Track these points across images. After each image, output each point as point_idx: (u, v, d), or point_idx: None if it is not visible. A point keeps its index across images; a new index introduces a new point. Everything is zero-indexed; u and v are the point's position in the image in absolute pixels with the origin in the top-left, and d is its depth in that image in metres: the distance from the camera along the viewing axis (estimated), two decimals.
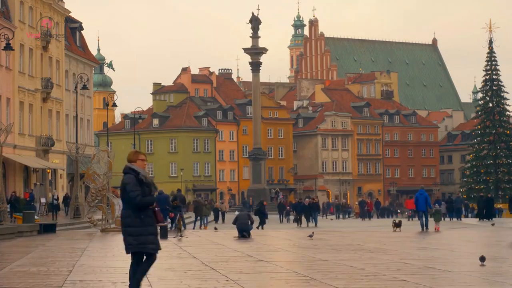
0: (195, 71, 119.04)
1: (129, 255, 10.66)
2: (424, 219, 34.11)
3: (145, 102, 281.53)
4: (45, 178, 58.08)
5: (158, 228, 10.92)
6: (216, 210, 54.91)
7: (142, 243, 10.41)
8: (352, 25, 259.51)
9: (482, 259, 15.96)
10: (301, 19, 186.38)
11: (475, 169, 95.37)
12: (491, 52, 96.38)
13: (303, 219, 48.51)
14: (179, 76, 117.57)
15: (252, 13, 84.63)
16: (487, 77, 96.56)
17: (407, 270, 15.40)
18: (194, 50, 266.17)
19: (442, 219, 44.17)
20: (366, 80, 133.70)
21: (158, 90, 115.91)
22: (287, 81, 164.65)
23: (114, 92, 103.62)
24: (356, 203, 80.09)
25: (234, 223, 29.25)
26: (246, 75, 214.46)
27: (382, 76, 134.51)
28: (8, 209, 37.83)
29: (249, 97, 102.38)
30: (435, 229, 33.83)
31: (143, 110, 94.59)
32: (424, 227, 33.78)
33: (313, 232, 29.27)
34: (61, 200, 52.47)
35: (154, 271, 15.43)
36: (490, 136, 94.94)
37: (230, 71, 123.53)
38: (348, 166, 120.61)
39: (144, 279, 14.03)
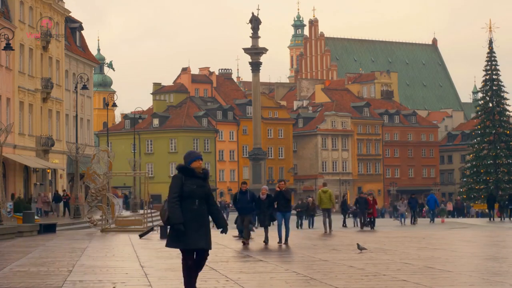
0: (195, 71, 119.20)
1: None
2: (433, 215, 47.81)
3: (145, 102, 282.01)
4: (45, 178, 58.06)
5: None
6: None
7: None
8: (352, 25, 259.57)
9: None
10: (301, 19, 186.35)
11: (475, 169, 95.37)
12: (491, 52, 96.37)
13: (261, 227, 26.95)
14: (179, 76, 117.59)
15: (252, 13, 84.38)
16: (487, 77, 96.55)
17: (407, 270, 15.39)
18: (194, 50, 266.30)
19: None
20: (366, 80, 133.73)
21: (158, 90, 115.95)
22: (287, 81, 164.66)
23: (114, 92, 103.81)
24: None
25: (235, 223, 29.27)
26: (246, 75, 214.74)
27: (382, 76, 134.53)
28: (9, 209, 37.81)
29: (249, 97, 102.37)
30: (442, 221, 47.45)
31: (143, 110, 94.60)
32: (432, 221, 46.90)
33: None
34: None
35: (154, 271, 15.45)
36: (490, 136, 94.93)
37: (230, 71, 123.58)
38: (348, 166, 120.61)
39: (144, 279, 14.05)
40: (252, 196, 24.65)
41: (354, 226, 44.97)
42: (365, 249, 20.05)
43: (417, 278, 13.66)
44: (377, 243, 24.21)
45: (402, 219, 46.58)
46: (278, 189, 24.39)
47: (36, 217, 35.25)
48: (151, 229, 29.41)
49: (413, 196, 47.92)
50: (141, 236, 27.23)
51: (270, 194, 24.49)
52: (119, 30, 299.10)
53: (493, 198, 53.56)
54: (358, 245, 20.22)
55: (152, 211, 51.97)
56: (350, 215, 50.38)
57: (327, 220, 32.59)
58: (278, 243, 23.61)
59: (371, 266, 16.13)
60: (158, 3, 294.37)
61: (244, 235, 24.04)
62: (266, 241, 24.10)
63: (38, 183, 55.89)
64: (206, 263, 17.31)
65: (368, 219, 39.18)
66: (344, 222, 45.58)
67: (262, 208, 24.39)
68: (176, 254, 20.06)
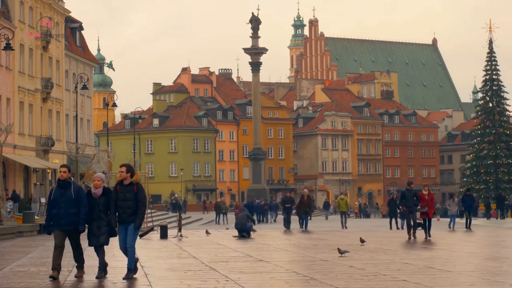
0: (195, 71, 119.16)
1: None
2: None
3: (145, 102, 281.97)
4: (45, 178, 58.05)
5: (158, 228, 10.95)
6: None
7: None
8: (352, 25, 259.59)
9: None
10: (301, 19, 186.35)
11: (475, 169, 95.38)
12: (491, 52, 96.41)
13: None
14: (179, 76, 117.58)
15: (252, 13, 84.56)
16: (487, 77, 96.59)
17: (407, 270, 15.40)
18: (194, 50, 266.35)
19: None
20: (366, 80, 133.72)
21: (158, 90, 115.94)
22: (287, 81, 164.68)
23: (114, 92, 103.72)
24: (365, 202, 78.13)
25: (236, 227, 29.29)
26: (246, 75, 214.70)
27: (382, 76, 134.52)
28: (9, 208, 37.77)
29: (249, 97, 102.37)
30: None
31: (143, 110, 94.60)
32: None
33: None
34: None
35: (154, 271, 15.45)
36: (490, 136, 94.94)
37: (230, 71, 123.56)
38: (348, 166, 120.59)
39: (144, 279, 14.05)
40: (78, 191, 13.76)
41: (398, 228, 38.13)
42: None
43: (417, 278, 13.65)
44: (377, 243, 24.20)
45: (452, 223, 36.43)
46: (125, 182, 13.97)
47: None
48: (151, 229, 29.40)
49: (468, 193, 37.75)
50: (141, 236, 27.22)
51: (109, 188, 14.30)
52: (120, 31, 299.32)
53: (503, 198, 56.20)
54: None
55: (153, 211, 51.92)
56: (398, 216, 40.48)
57: (343, 220, 42.00)
58: (123, 278, 13.85)
59: (371, 266, 16.12)
60: (159, 4, 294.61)
61: (81, 265, 14.51)
62: (102, 274, 14.10)
63: (38, 183, 55.89)
64: (207, 263, 17.31)
65: (421, 221, 27.80)
66: (391, 224, 39.31)
67: (95, 212, 13.84)
68: (176, 254, 20.07)
